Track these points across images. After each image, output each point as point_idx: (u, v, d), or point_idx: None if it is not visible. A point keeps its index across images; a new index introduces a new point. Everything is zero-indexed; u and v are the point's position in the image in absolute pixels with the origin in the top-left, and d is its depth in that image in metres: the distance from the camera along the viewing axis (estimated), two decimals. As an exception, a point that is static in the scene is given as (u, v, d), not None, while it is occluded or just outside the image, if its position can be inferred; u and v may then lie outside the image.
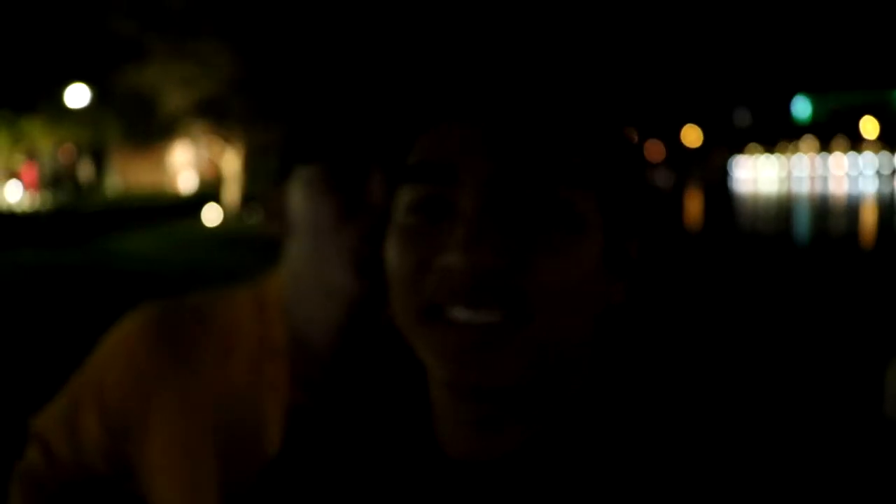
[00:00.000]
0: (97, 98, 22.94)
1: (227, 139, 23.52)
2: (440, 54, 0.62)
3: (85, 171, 29.21)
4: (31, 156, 25.27)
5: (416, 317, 0.55)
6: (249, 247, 12.84)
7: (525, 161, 0.53)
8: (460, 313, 0.52)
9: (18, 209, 21.30)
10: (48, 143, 24.46)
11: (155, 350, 0.98)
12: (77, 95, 22.73)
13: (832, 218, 28.49)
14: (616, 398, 0.59)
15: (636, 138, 0.64)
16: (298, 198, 0.93)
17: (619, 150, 0.59)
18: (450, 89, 0.57)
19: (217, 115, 24.91)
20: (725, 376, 5.51)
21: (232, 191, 23.12)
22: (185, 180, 35.04)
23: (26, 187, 24.92)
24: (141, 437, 0.98)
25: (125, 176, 31.64)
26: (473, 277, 0.51)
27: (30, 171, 25.35)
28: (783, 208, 34.23)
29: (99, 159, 27.41)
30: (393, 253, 0.56)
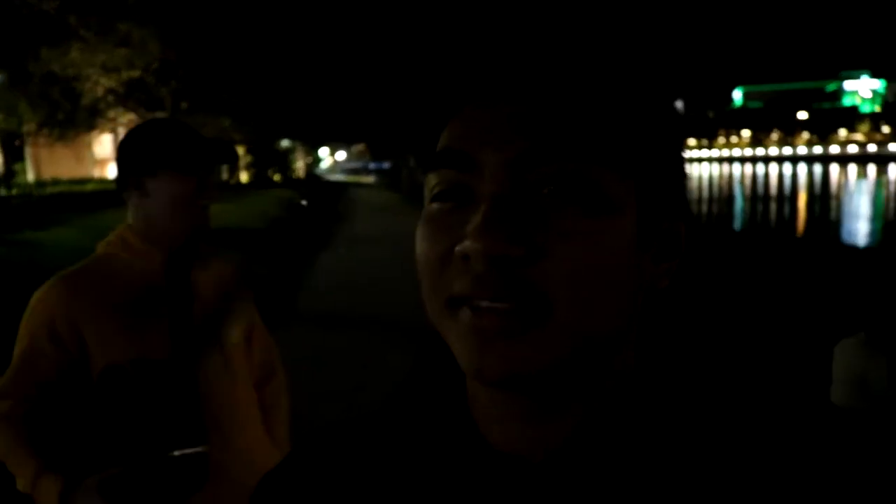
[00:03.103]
0: (11, 82, 21.69)
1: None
2: (455, 34, 0.63)
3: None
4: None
5: (442, 307, 0.53)
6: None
7: (543, 141, 0.51)
8: (481, 302, 0.50)
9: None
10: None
11: (78, 283, 1.67)
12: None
13: (767, 202, 29.03)
14: (662, 385, 0.58)
15: (673, 109, 0.60)
16: (165, 185, 1.69)
17: (649, 123, 0.56)
18: (468, 71, 0.56)
19: (143, 104, 24.03)
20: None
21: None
22: (110, 173, 33.90)
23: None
24: (85, 331, 1.64)
25: (41, 167, 30.10)
26: (488, 265, 0.49)
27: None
28: (720, 192, 34.82)
29: (11, 149, 26.01)
30: (420, 242, 0.56)
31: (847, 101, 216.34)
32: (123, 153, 1.71)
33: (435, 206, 0.55)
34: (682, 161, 0.59)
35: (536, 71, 0.54)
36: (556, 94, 0.53)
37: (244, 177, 44.93)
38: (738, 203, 33.47)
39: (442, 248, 0.53)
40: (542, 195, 0.51)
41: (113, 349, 1.63)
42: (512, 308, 0.49)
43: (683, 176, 0.59)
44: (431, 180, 0.56)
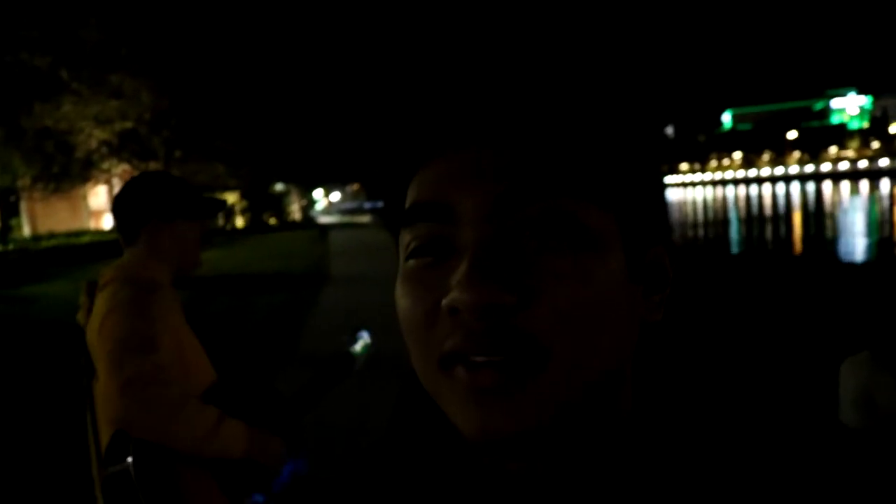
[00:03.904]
0: (5, 138, 21.79)
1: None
2: (426, 79, 0.59)
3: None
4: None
5: (435, 367, 0.51)
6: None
7: (521, 182, 0.49)
8: (476, 357, 0.48)
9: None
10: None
11: (153, 288, 1.86)
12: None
13: (763, 223, 29.08)
14: (661, 423, 0.56)
15: (648, 138, 0.58)
16: (180, 229, 1.97)
17: (626, 155, 0.54)
18: (440, 116, 0.55)
19: (137, 154, 24.17)
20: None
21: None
22: (106, 224, 33.94)
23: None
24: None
25: (37, 221, 30.14)
26: (482, 317, 0.47)
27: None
28: (715, 216, 34.91)
29: (6, 204, 26.12)
30: (401, 300, 0.53)
31: (835, 119, 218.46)
32: (143, 195, 1.96)
33: (412, 262, 0.53)
34: (662, 187, 0.57)
35: (510, 112, 0.52)
36: (531, 134, 0.51)
37: (240, 222, 45.05)
38: (734, 225, 33.54)
39: (427, 304, 0.51)
40: (526, 237, 0.49)
41: (183, 352, 1.86)
42: (509, 359, 0.47)
43: (664, 202, 0.57)
44: (406, 237, 0.54)
